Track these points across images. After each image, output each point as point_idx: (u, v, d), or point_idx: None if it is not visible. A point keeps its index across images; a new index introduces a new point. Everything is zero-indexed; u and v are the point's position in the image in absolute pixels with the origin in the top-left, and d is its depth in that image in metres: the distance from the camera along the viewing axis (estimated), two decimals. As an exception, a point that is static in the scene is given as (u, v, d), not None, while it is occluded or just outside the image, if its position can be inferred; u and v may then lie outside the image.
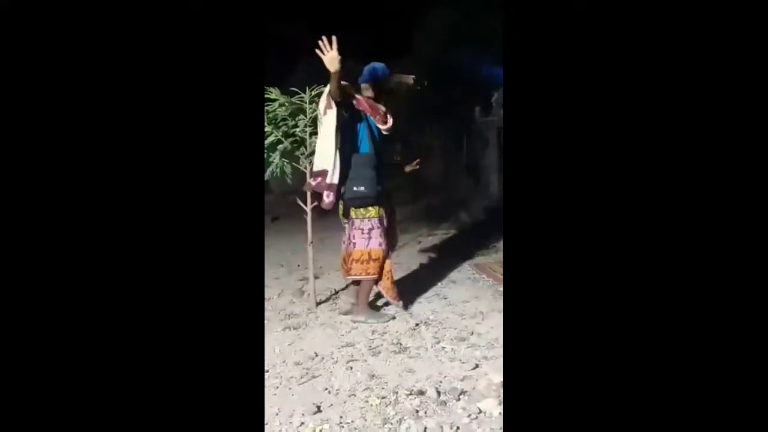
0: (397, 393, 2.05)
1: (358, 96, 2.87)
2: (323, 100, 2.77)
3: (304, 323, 2.93)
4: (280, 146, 3.14)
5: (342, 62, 2.54)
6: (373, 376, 2.22)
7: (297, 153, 3.17)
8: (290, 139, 3.15)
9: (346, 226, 2.99)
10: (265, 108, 3.08)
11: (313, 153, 3.14)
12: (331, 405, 1.99)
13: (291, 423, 1.87)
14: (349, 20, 9.18)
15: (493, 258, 4.20)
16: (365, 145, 2.87)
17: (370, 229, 2.90)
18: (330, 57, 2.53)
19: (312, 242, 3.26)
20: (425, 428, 1.79)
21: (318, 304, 3.24)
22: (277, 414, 1.93)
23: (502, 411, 1.86)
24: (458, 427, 1.80)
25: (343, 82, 2.69)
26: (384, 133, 2.95)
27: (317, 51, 2.55)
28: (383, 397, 2.01)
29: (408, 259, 4.38)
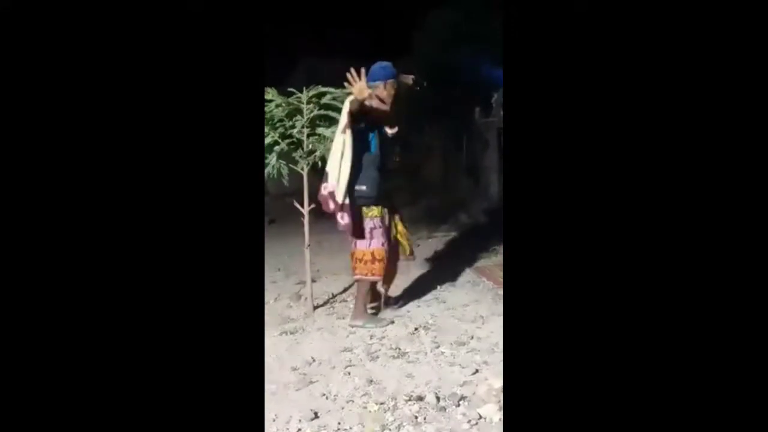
0: (395, 399, 2.02)
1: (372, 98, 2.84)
2: (343, 120, 2.76)
3: (302, 328, 2.89)
4: (276, 147, 3.11)
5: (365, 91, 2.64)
6: (371, 381, 2.19)
7: (294, 154, 3.14)
8: (287, 141, 3.12)
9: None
10: (262, 109, 3.05)
11: (310, 153, 3.11)
12: (329, 411, 1.96)
13: (288, 429, 1.85)
14: (348, 20, 9.18)
15: (493, 261, 4.17)
16: (373, 145, 2.87)
17: (372, 229, 2.86)
18: (359, 87, 2.62)
19: (309, 245, 3.23)
20: (424, 435, 1.76)
21: (315, 308, 3.21)
22: (274, 420, 1.90)
23: (502, 417, 1.83)
24: (458, 435, 1.77)
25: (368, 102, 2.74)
26: (389, 136, 2.94)
27: (346, 83, 2.64)
28: (382, 403, 1.98)
29: (406, 262, 4.34)
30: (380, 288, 2.98)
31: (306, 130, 3.09)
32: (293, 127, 3.11)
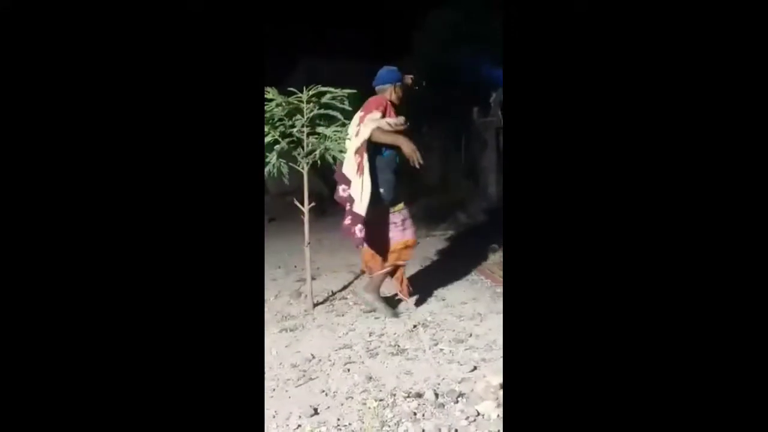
0: (394, 395, 2.03)
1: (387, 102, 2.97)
2: (360, 140, 2.85)
3: (301, 325, 2.91)
4: (277, 146, 3.12)
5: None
6: (370, 378, 2.20)
7: (294, 153, 3.16)
8: (287, 140, 3.13)
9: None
10: (263, 108, 3.07)
11: (310, 152, 3.12)
12: (328, 407, 1.97)
13: (288, 425, 1.86)
14: (348, 20, 9.18)
15: (492, 259, 4.18)
16: (386, 149, 2.95)
17: (404, 220, 3.05)
18: (410, 148, 2.85)
19: (309, 243, 3.24)
20: (423, 431, 1.78)
21: (315, 305, 3.22)
22: (273, 416, 1.91)
23: (500, 413, 1.85)
24: (456, 430, 1.78)
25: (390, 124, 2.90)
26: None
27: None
28: (381, 400, 2.00)
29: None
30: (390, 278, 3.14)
31: (306, 129, 3.11)
32: (293, 126, 3.12)
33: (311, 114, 3.09)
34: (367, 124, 2.85)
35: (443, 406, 1.94)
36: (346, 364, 2.36)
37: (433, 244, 5.08)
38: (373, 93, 3.11)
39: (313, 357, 2.45)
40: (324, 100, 3.09)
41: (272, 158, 3.12)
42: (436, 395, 2.01)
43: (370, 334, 2.73)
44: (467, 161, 7.85)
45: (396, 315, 2.98)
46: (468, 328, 2.74)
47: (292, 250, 4.48)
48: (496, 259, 4.08)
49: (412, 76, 3.18)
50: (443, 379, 2.17)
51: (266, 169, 3.13)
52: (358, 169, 2.86)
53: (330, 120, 3.13)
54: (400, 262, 3.10)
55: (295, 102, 3.10)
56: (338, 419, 1.88)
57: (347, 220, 2.93)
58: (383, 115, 2.91)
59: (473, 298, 3.26)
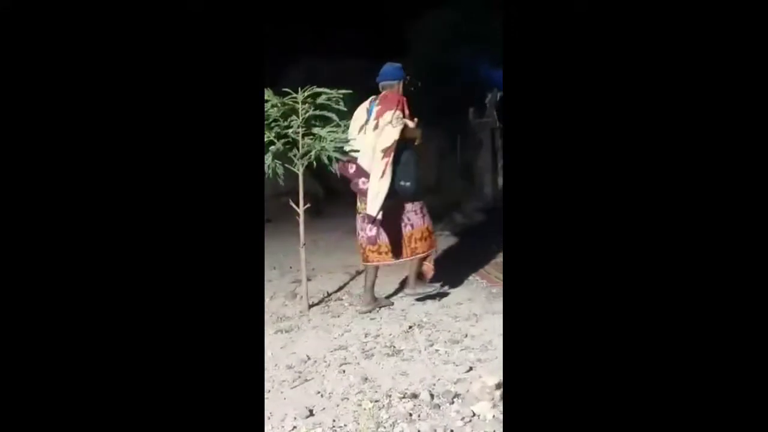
0: (390, 396, 2.03)
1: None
2: (390, 141, 2.95)
3: (297, 326, 2.91)
4: (272, 147, 3.11)
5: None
6: (366, 379, 2.20)
7: (290, 154, 3.15)
8: (282, 140, 3.12)
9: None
10: (258, 109, 3.06)
11: (305, 153, 3.12)
12: (324, 409, 1.97)
13: (283, 427, 1.85)
14: (343, 20, 9.16)
15: (487, 259, 4.18)
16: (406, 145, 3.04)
17: (422, 207, 3.21)
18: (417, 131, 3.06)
19: (304, 244, 3.24)
20: (418, 431, 1.78)
21: (310, 306, 3.22)
22: (269, 418, 1.91)
23: (495, 414, 1.85)
24: (452, 431, 1.78)
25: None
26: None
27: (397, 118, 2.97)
28: (376, 401, 2.00)
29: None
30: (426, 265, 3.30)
31: (301, 130, 3.10)
32: (288, 127, 3.12)
33: (306, 115, 3.08)
34: (395, 124, 2.94)
35: (439, 406, 1.94)
36: (341, 365, 2.36)
37: (429, 244, 5.07)
38: (373, 91, 3.14)
39: (309, 358, 2.45)
40: (319, 100, 3.08)
41: (268, 159, 3.12)
42: (432, 396, 2.01)
43: (366, 335, 2.72)
44: (462, 162, 7.85)
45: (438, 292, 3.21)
46: (464, 329, 2.74)
47: (287, 251, 4.47)
48: (496, 259, 4.08)
49: (408, 76, 3.20)
50: (439, 379, 2.17)
51: (262, 170, 3.12)
52: (384, 169, 2.94)
53: (325, 121, 3.13)
54: (430, 250, 3.25)
55: (291, 103, 3.10)
56: (334, 420, 1.88)
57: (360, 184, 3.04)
58: (403, 113, 3.00)
59: (469, 299, 3.26)
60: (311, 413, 1.93)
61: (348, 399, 2.04)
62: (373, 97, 3.18)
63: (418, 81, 3.23)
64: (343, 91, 3.09)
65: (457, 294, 3.38)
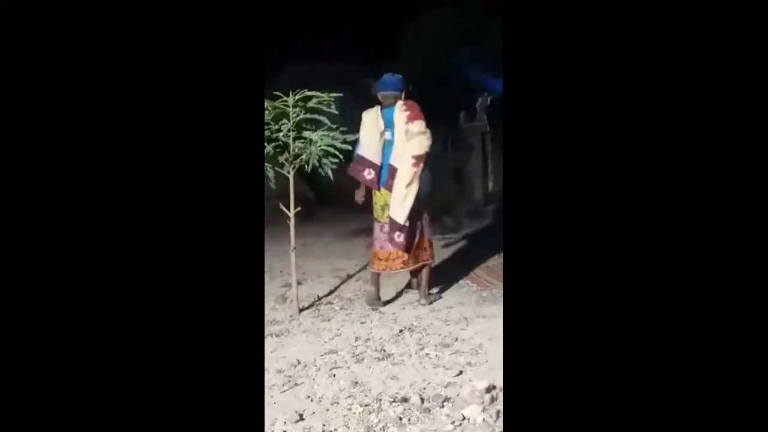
0: (380, 400, 2.03)
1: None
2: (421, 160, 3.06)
3: (287, 330, 2.90)
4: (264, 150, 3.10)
5: None
6: (356, 383, 2.20)
7: (281, 158, 3.15)
8: (273, 144, 3.12)
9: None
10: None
11: (296, 157, 3.12)
12: (314, 413, 1.97)
13: (273, 431, 1.85)
14: (336, 24, 9.16)
15: (478, 263, 4.19)
16: None
17: (429, 219, 3.34)
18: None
19: (295, 248, 3.23)
20: (409, 436, 1.78)
21: (301, 310, 3.21)
22: (258, 423, 1.90)
23: (485, 418, 1.85)
24: (442, 435, 1.78)
25: None
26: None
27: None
28: (366, 405, 2.00)
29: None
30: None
31: (292, 134, 3.10)
32: (279, 130, 3.11)
33: (297, 118, 3.08)
34: (429, 135, 3.06)
35: (429, 410, 1.94)
36: (331, 369, 2.36)
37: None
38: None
39: (299, 362, 2.44)
40: (310, 104, 3.08)
41: (258, 162, 3.11)
42: (422, 400, 2.01)
43: (356, 339, 2.72)
44: (453, 165, 7.87)
45: (440, 297, 3.33)
46: (454, 333, 2.75)
47: (277, 255, 4.46)
48: (487, 263, 4.09)
49: (410, 86, 3.22)
50: (429, 383, 2.17)
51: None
52: (413, 177, 3.02)
53: (317, 124, 3.13)
54: (432, 261, 3.31)
55: (281, 106, 3.09)
56: (324, 425, 1.87)
57: (385, 230, 3.14)
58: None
59: (459, 303, 3.27)
60: (301, 417, 1.93)
61: (338, 403, 2.04)
62: (381, 104, 3.20)
63: (410, 85, 3.24)
64: (334, 95, 3.09)
65: (447, 298, 3.38)
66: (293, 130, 3.09)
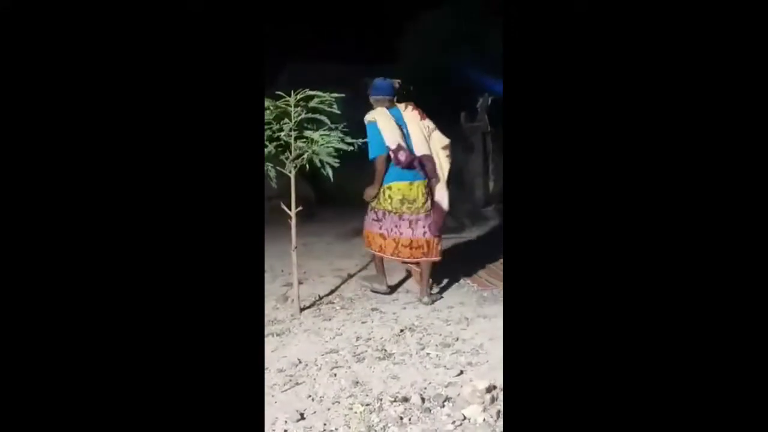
0: (381, 400, 2.04)
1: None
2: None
3: (288, 329, 2.90)
4: (264, 150, 3.11)
5: None
6: (357, 382, 2.20)
7: (282, 157, 3.15)
8: (274, 143, 3.12)
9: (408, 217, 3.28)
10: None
11: (298, 156, 3.12)
12: (315, 412, 1.97)
13: (274, 430, 1.85)
14: (335, 24, 9.16)
15: (479, 263, 4.20)
16: None
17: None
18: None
19: (296, 247, 3.24)
20: (409, 436, 1.78)
21: (302, 310, 3.22)
22: (259, 422, 1.91)
23: (486, 418, 1.86)
24: (443, 435, 1.79)
25: None
26: None
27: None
28: (367, 404, 2.00)
29: (392, 265, 4.36)
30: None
31: (294, 134, 3.10)
32: (281, 130, 3.11)
33: (299, 118, 3.08)
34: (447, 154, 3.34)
35: (430, 410, 1.95)
36: (332, 368, 2.36)
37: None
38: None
39: (300, 362, 2.45)
40: (312, 104, 3.08)
41: (259, 162, 3.12)
42: (423, 400, 2.02)
43: (357, 339, 2.73)
44: (454, 165, 7.88)
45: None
46: (455, 332, 2.75)
47: (278, 255, 4.46)
48: (487, 263, 4.09)
49: (399, 81, 3.22)
50: (430, 383, 2.18)
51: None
52: (450, 166, 3.35)
53: (318, 124, 3.13)
54: (439, 258, 3.36)
55: (283, 106, 3.09)
56: (325, 424, 1.88)
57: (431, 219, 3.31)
58: None
59: (460, 302, 3.27)
60: (302, 417, 1.93)
61: (339, 403, 2.04)
62: (386, 105, 3.25)
63: (410, 86, 3.24)
64: (336, 95, 3.09)
65: (448, 298, 3.39)
66: (295, 130, 3.09)
